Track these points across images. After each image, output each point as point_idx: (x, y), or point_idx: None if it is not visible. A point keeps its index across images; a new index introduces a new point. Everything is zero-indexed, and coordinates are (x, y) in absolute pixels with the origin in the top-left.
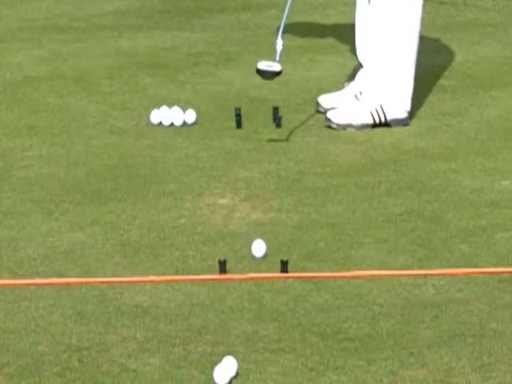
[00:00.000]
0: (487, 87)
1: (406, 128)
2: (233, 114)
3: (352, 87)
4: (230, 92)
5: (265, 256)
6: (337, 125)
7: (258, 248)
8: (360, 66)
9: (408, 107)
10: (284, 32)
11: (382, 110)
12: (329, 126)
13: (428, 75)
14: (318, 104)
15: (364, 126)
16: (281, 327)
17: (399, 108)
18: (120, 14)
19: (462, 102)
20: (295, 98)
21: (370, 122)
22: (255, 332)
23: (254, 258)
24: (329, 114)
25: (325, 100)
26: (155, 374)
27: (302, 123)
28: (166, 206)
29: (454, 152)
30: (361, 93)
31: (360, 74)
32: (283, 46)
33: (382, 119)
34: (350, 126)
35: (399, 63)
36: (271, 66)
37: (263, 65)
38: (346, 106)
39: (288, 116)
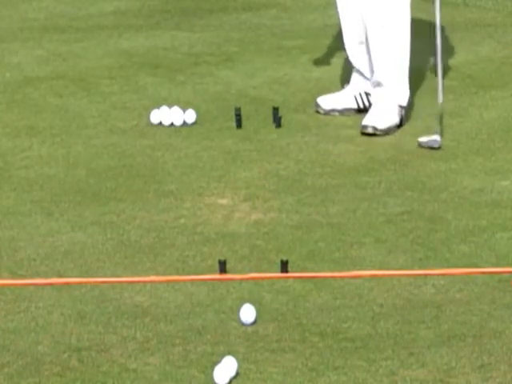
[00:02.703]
0: (487, 87)
1: (406, 128)
2: (233, 113)
3: (353, 88)
4: (229, 92)
5: (255, 321)
6: (380, 130)
7: (247, 313)
8: (353, 67)
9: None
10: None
11: (401, 107)
12: (365, 133)
13: (428, 75)
14: (317, 105)
15: (394, 127)
16: (281, 327)
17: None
18: (120, 14)
19: (462, 102)
20: (295, 98)
21: (397, 120)
22: (255, 332)
23: (243, 323)
24: (368, 122)
25: (324, 101)
26: (155, 374)
27: (302, 123)
28: (165, 206)
29: (453, 152)
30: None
31: (357, 76)
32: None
33: (403, 115)
34: (390, 129)
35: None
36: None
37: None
38: (379, 109)
39: (288, 116)
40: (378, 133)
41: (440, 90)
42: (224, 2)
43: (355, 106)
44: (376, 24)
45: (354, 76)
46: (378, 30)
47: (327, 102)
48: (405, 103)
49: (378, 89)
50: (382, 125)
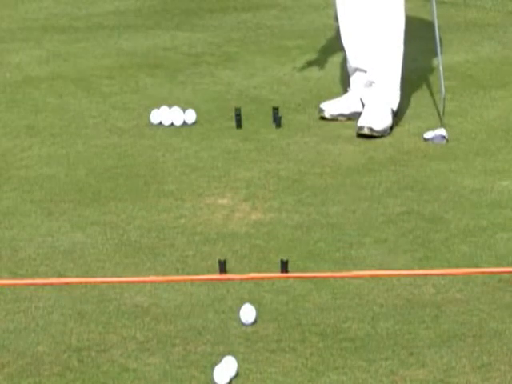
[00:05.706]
0: (487, 87)
1: (406, 128)
2: (233, 113)
3: (357, 92)
4: (229, 92)
5: (255, 321)
6: (377, 131)
7: (247, 313)
8: (352, 72)
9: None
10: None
11: (393, 111)
12: (361, 135)
13: (428, 75)
14: (321, 110)
15: (388, 129)
16: (281, 327)
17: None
18: (120, 14)
19: (462, 102)
20: (295, 98)
21: (391, 122)
22: (255, 332)
23: (244, 323)
24: (364, 123)
25: (330, 106)
26: (155, 374)
27: (302, 123)
28: (165, 206)
29: (453, 152)
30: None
31: (359, 79)
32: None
33: (394, 121)
34: (385, 131)
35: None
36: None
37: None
38: (374, 110)
39: (288, 116)
40: (374, 134)
41: (442, 84)
42: (224, 1)
43: (361, 110)
44: (375, 24)
45: (355, 79)
46: (377, 31)
47: (333, 106)
48: (395, 108)
49: (371, 89)
50: (378, 126)
